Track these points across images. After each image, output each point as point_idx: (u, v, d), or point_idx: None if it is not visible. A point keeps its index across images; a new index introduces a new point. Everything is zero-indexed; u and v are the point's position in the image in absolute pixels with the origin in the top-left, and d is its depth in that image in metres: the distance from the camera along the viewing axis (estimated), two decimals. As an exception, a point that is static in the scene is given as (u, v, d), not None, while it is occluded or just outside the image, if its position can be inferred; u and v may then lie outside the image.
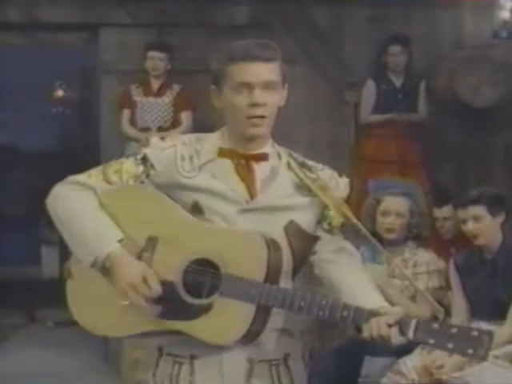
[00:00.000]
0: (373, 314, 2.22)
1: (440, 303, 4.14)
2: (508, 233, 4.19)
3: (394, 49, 6.56)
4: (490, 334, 2.11)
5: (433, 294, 4.15)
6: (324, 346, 4.44)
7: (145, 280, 2.31)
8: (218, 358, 2.36)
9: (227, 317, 2.28)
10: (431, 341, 2.15)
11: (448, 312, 3.93)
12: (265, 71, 2.34)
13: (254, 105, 2.33)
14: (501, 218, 4.15)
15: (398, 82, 6.66)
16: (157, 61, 6.34)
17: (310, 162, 2.50)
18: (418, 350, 4.01)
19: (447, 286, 4.32)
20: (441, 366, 3.87)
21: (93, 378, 5.48)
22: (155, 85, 6.40)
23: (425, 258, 4.32)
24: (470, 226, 4.13)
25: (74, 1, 6.62)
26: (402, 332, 2.19)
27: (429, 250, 4.49)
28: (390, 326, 2.20)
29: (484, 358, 2.11)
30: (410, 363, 4.00)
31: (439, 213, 5.51)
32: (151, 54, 6.34)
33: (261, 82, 2.33)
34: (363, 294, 2.33)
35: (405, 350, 4.05)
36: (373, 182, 4.89)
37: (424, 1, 6.95)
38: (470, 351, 2.10)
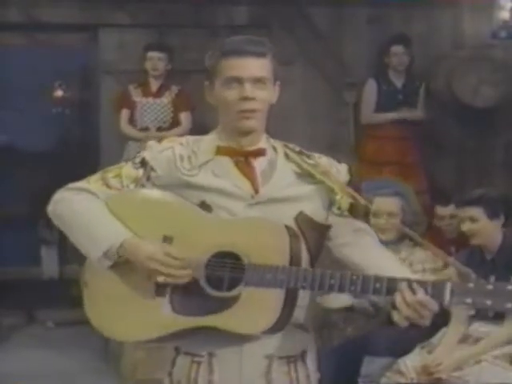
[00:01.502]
0: (406, 282, 2.17)
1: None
2: (508, 233, 4.20)
3: (397, 49, 6.56)
4: None
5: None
6: (324, 346, 4.44)
7: (168, 253, 2.31)
8: (237, 356, 2.36)
9: (257, 306, 2.26)
10: (469, 300, 2.11)
11: (447, 313, 3.93)
12: (255, 66, 2.36)
13: (244, 98, 2.34)
14: (499, 221, 4.16)
15: (398, 82, 6.65)
16: (156, 61, 6.36)
17: (307, 152, 2.50)
18: (417, 350, 4.02)
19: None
20: (439, 364, 3.88)
21: (93, 377, 5.47)
22: (154, 85, 6.42)
23: (420, 257, 4.33)
24: (467, 226, 4.18)
25: (74, 1, 6.63)
26: (438, 296, 2.14)
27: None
28: (425, 291, 2.15)
29: None
30: (410, 363, 4.00)
31: (445, 211, 5.44)
32: (150, 54, 6.37)
33: (251, 76, 2.35)
34: (390, 267, 2.29)
35: (404, 349, 4.05)
36: (366, 184, 4.88)
37: (423, 1, 6.96)
38: (509, 305, 2.08)
